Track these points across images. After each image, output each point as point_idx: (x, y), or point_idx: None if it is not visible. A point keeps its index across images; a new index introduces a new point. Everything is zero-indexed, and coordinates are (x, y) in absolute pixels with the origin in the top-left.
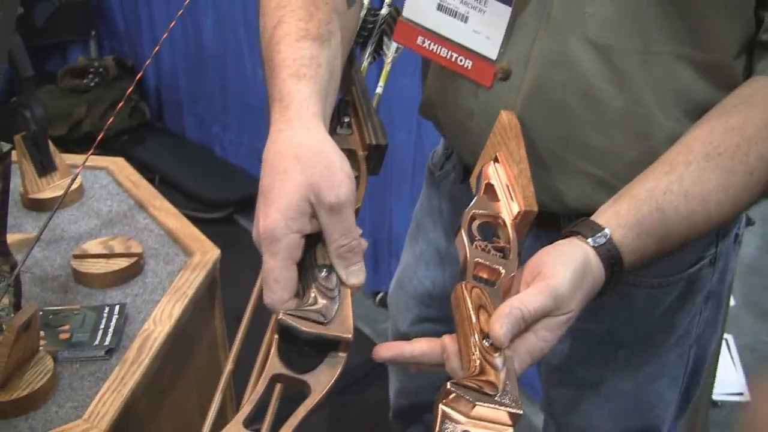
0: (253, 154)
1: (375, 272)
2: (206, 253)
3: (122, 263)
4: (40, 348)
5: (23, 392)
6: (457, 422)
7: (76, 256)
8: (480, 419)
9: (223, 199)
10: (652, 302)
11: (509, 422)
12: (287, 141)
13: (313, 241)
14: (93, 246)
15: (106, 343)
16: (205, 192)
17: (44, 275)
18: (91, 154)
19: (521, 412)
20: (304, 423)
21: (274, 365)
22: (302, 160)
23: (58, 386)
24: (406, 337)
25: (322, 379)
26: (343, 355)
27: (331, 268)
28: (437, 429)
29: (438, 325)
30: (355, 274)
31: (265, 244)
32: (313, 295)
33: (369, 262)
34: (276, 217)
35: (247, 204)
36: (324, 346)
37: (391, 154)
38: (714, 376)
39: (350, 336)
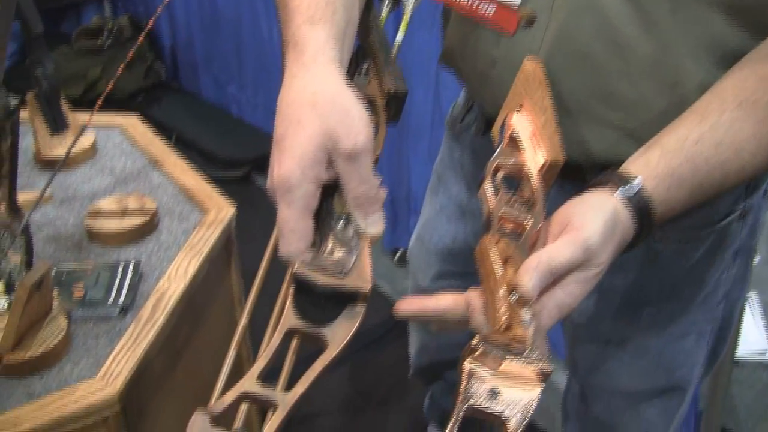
0: (270, 113)
1: (393, 230)
2: (221, 210)
3: (136, 221)
4: (54, 307)
5: (37, 351)
6: (483, 379)
7: (90, 215)
8: (508, 376)
9: (239, 159)
10: (680, 257)
11: (538, 379)
12: (302, 88)
13: (330, 190)
14: (107, 204)
15: (121, 301)
16: (222, 152)
17: (57, 234)
18: (105, 112)
19: (551, 368)
20: (321, 380)
21: (290, 318)
22: (318, 107)
23: (72, 345)
24: (427, 293)
25: (339, 333)
26: (361, 307)
27: (348, 218)
28: (463, 387)
29: (460, 281)
30: (374, 224)
31: (280, 194)
32: (329, 246)
33: (387, 220)
34: (291, 165)
35: (264, 163)
36: (341, 299)
37: (409, 110)
38: (738, 334)
39: (368, 288)
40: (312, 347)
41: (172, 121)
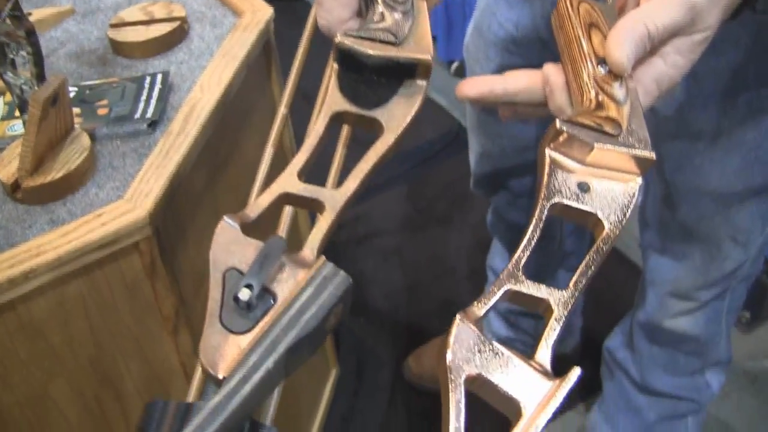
0: None
1: (448, 40)
2: (257, 11)
3: (164, 29)
4: (76, 126)
5: (58, 174)
6: (569, 171)
7: (114, 26)
8: (599, 167)
9: None
10: None
11: (637, 170)
12: None
13: None
14: (131, 13)
15: (149, 115)
16: None
17: (80, 50)
18: None
19: (653, 156)
20: (378, 199)
21: (336, 100)
22: None
23: (97, 166)
24: None
25: (396, 114)
26: (422, 83)
27: None
28: (545, 180)
29: None
30: None
31: None
32: (379, 10)
33: (440, 27)
34: None
35: None
36: (397, 73)
37: None
38: None
39: (429, 57)
40: (365, 140)
41: None
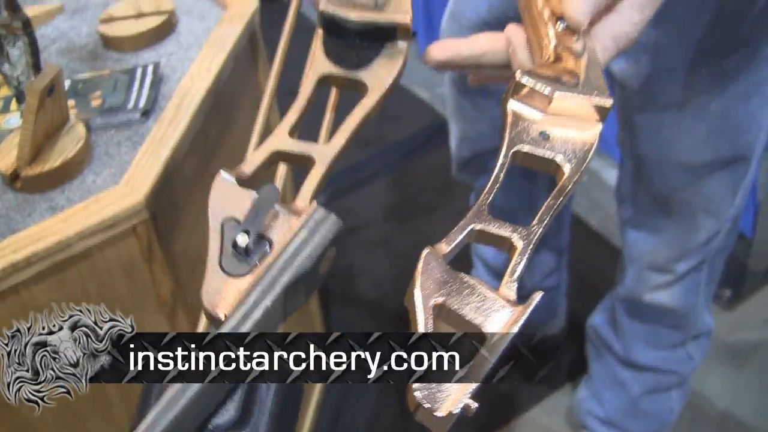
0: None
1: (428, 35)
2: (243, 4)
3: (153, 22)
4: (71, 117)
5: (56, 162)
6: (532, 122)
7: (103, 21)
8: (561, 114)
9: None
10: (744, 2)
11: (597, 116)
12: None
13: None
14: (120, 9)
15: (141, 105)
16: None
17: (71, 46)
18: None
19: (611, 102)
20: (365, 191)
21: (321, 64)
22: None
23: (93, 155)
24: (463, 75)
25: (380, 74)
26: (402, 44)
27: None
28: (506, 133)
29: None
30: None
31: None
32: None
33: (421, 23)
34: None
35: None
36: (378, 36)
37: None
38: None
39: (408, 19)
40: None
41: None
